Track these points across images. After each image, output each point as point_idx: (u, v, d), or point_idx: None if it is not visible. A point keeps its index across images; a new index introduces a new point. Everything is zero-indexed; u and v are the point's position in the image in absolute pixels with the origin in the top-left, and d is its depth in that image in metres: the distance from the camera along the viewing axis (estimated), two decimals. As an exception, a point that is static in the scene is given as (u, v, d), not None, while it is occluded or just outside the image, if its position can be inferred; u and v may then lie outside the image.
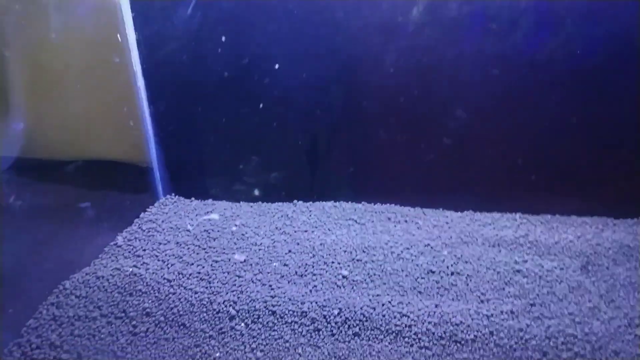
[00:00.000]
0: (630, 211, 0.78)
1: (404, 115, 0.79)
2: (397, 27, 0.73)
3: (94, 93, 0.78)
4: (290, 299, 0.64)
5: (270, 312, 0.63)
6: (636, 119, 0.74)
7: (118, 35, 0.74)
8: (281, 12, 0.75)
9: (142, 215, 0.82)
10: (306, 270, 0.70)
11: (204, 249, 0.75)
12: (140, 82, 0.77)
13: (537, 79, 0.74)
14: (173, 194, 0.88)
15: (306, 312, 0.62)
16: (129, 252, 0.74)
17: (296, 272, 0.70)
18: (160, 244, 0.76)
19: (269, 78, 0.79)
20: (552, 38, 0.71)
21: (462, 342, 0.58)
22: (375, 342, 0.59)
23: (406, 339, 0.59)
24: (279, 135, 0.83)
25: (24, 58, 0.80)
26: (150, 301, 0.64)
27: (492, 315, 0.62)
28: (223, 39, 0.76)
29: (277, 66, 0.78)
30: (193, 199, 0.88)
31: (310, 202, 0.84)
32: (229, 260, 0.72)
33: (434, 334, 0.59)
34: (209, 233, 0.78)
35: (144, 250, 0.74)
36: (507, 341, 0.58)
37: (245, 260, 0.72)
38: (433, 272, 0.69)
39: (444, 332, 0.59)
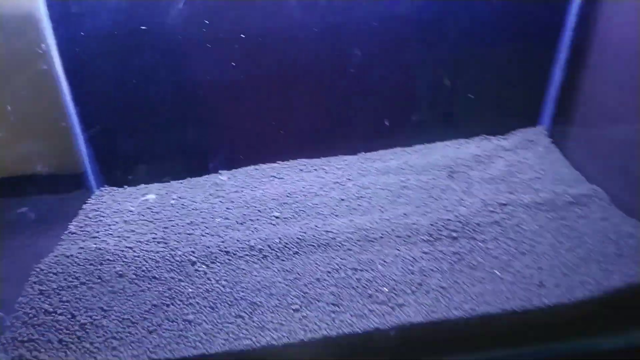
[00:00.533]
0: (475, 132, 1.04)
1: (297, 80, 0.96)
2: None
3: (18, 103, 0.84)
4: (238, 240, 0.80)
5: (224, 253, 0.78)
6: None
7: (37, 42, 0.81)
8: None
9: (84, 207, 0.91)
10: (245, 219, 0.85)
11: (151, 221, 0.86)
12: (65, 85, 0.85)
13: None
14: (106, 186, 0.98)
15: (253, 246, 0.78)
16: (85, 235, 0.83)
17: (237, 222, 0.85)
18: (110, 225, 0.86)
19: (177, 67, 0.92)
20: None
21: (373, 239, 0.78)
22: (311, 254, 0.77)
23: (333, 247, 0.78)
24: (195, 117, 0.97)
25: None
26: (119, 266, 0.75)
27: (390, 218, 0.82)
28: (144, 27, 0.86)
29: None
30: (126, 187, 0.98)
31: (234, 169, 0.99)
32: (177, 225, 0.85)
33: (352, 239, 0.78)
34: (151, 209, 0.90)
35: (98, 232, 0.84)
36: (403, 232, 0.79)
37: (191, 222, 0.85)
38: (343, 200, 0.89)
39: (359, 236, 0.79)
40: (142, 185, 0.98)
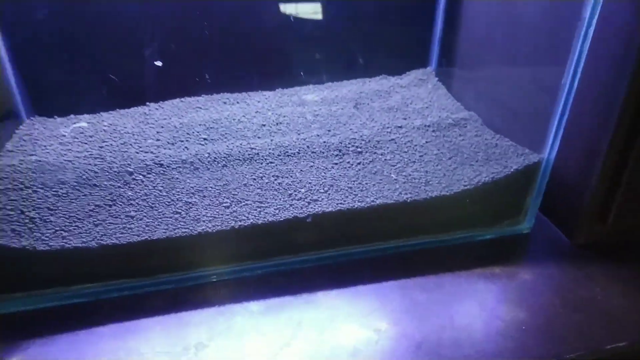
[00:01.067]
0: (377, 73, 1.20)
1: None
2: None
3: None
4: (170, 156, 0.89)
5: (158, 165, 0.86)
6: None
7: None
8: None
9: (16, 131, 0.95)
10: (175, 140, 0.94)
11: (86, 142, 0.93)
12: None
13: None
14: (36, 116, 1.01)
15: (185, 160, 0.88)
16: (23, 153, 0.88)
17: (168, 142, 0.94)
18: (45, 146, 0.91)
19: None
20: None
21: (292, 154, 0.91)
22: (238, 166, 0.88)
23: (257, 161, 0.89)
24: (123, 54, 1.03)
25: None
26: (60, 175, 0.81)
27: (305, 139, 0.95)
28: None
29: None
30: (56, 117, 1.02)
31: (161, 102, 1.07)
32: (111, 145, 0.92)
33: (272, 154, 0.91)
34: (84, 134, 0.96)
35: (35, 151, 0.89)
36: (317, 149, 0.93)
37: (124, 143, 0.93)
38: (264, 125, 1.00)
39: (280, 152, 0.91)
40: (72, 116, 1.03)
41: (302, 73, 1.13)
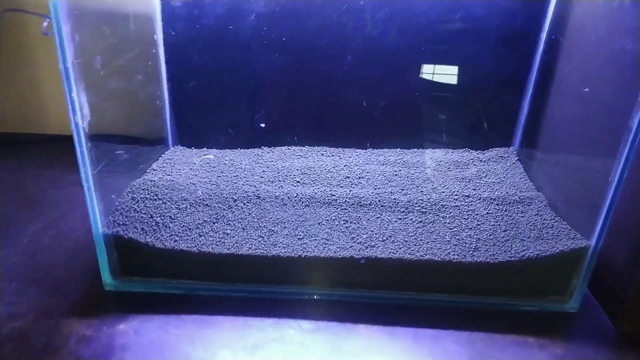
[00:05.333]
0: (461, 146, 1.33)
1: (329, 88, 1.28)
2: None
3: (131, 80, 1.18)
4: (267, 192, 1.11)
5: (256, 197, 1.09)
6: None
7: (152, 33, 1.16)
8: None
9: (162, 156, 1.25)
10: (275, 179, 1.17)
11: (209, 171, 1.19)
12: (164, 68, 1.20)
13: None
14: (179, 145, 1.32)
15: (278, 196, 1.09)
16: (163, 172, 1.17)
17: (269, 180, 1.16)
18: (180, 170, 1.19)
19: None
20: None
21: (364, 205, 1.07)
22: (316, 208, 1.07)
23: (333, 205, 1.07)
24: (249, 104, 1.30)
25: None
26: (185, 193, 1.08)
27: (379, 193, 1.11)
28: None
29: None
30: (193, 148, 1.31)
31: (272, 147, 1.31)
32: (226, 176, 1.17)
33: (348, 202, 1.08)
34: (209, 164, 1.23)
35: (172, 172, 1.18)
36: (387, 203, 1.08)
37: (236, 176, 1.17)
38: (348, 177, 1.18)
39: (354, 202, 1.08)
40: (205, 148, 1.32)
41: (391, 137, 1.30)
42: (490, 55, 1.21)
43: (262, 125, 1.31)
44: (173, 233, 0.98)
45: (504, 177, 1.20)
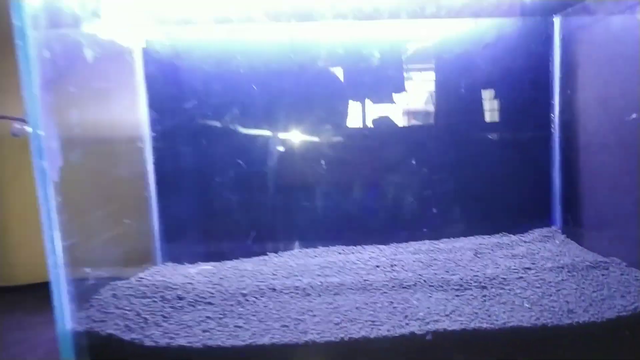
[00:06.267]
0: (495, 231, 1.16)
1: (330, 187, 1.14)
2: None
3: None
4: (283, 284, 0.88)
5: (271, 290, 0.86)
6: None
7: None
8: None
9: (151, 268, 1.02)
10: (290, 275, 0.94)
11: (208, 277, 0.96)
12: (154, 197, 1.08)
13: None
14: (169, 262, 1.09)
15: (297, 287, 0.86)
16: (152, 277, 0.92)
17: (283, 276, 0.94)
18: (172, 275, 0.96)
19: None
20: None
21: (407, 287, 0.85)
22: (350, 294, 0.84)
23: (369, 290, 0.85)
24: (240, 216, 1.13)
25: None
26: (180, 292, 0.83)
27: (422, 275, 0.89)
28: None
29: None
30: (185, 263, 1.09)
31: (281, 252, 1.10)
32: (230, 277, 0.94)
33: (387, 285, 0.86)
34: (209, 271, 0.99)
35: (163, 277, 0.93)
36: (435, 283, 0.86)
37: (242, 276, 0.95)
38: (378, 267, 0.97)
39: (394, 284, 0.86)
40: (197, 263, 1.10)
41: (416, 228, 1.14)
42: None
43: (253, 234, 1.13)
44: (168, 331, 0.72)
45: (560, 252, 1.01)
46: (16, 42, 0.67)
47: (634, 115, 0.91)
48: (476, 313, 0.75)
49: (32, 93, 0.68)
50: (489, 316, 0.74)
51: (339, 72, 1.14)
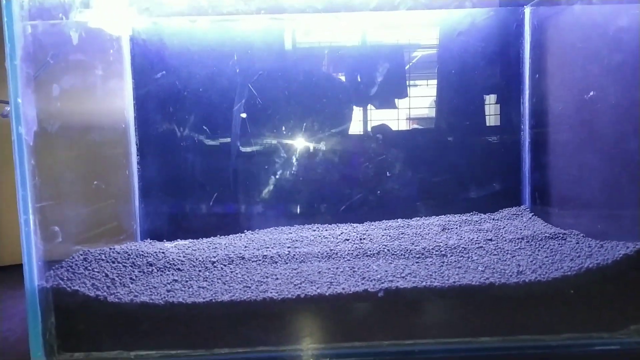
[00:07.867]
0: (467, 211, 1.19)
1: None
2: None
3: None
4: (253, 254, 0.91)
5: (240, 258, 0.89)
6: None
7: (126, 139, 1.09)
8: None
9: (130, 242, 1.05)
10: (261, 247, 0.98)
11: (182, 250, 0.99)
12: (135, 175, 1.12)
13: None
14: (149, 239, 1.13)
15: (266, 255, 0.90)
16: (127, 248, 0.95)
17: (254, 248, 0.97)
18: (148, 245, 0.99)
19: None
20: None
21: (370, 255, 0.89)
22: (315, 262, 0.87)
23: (334, 258, 0.89)
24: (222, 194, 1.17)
25: None
26: (151, 258, 0.87)
27: (387, 245, 0.93)
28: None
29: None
30: (165, 240, 1.13)
31: (256, 230, 1.14)
32: (204, 250, 0.98)
33: (351, 254, 0.90)
34: (185, 245, 1.03)
35: (137, 248, 0.96)
36: (398, 252, 0.90)
37: (215, 248, 0.98)
38: (347, 240, 1.00)
39: (358, 253, 0.90)
40: (178, 240, 1.13)
41: (390, 208, 1.17)
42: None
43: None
44: (133, 291, 0.75)
45: (525, 227, 1.04)
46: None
47: (591, 93, 0.95)
48: (431, 275, 0.78)
49: (14, 64, 0.72)
50: (442, 277, 0.77)
51: (316, 61, 1.19)
